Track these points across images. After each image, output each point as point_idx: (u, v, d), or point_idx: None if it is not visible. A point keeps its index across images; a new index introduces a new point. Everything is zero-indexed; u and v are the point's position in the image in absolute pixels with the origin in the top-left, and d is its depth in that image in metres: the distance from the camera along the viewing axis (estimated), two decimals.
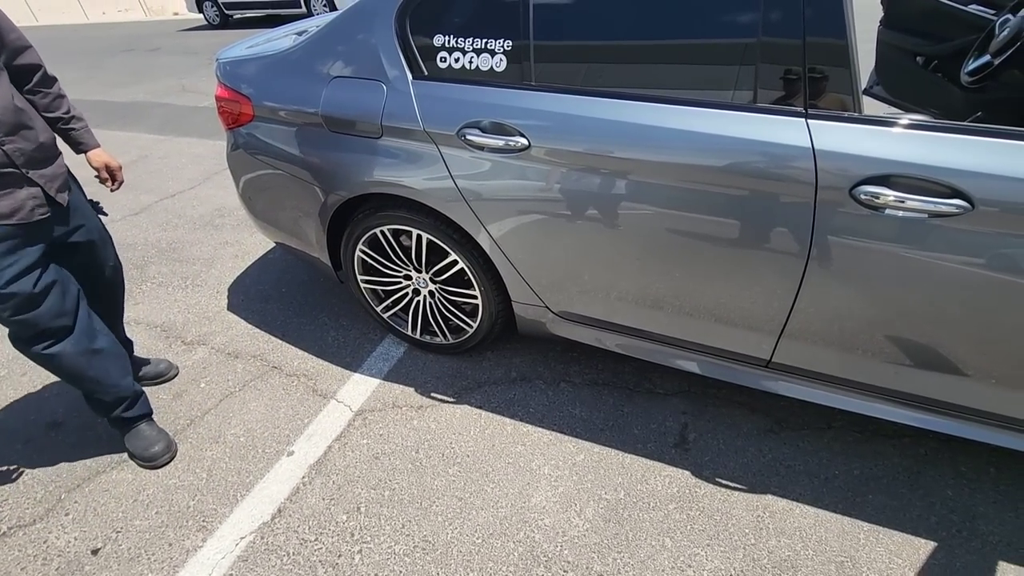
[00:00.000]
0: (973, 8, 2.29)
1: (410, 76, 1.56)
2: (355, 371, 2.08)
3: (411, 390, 1.98)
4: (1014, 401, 1.30)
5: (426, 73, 1.56)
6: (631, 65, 1.37)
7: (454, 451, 1.75)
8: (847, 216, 1.19)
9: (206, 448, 1.80)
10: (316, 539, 1.51)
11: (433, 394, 1.96)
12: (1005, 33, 1.86)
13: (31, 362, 1.56)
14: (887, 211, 1.14)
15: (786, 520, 1.49)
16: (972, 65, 2.02)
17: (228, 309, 2.48)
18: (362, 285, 2.05)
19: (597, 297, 1.63)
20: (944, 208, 1.10)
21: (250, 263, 2.82)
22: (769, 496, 1.55)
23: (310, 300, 2.50)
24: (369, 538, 1.51)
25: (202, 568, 1.46)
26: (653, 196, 1.35)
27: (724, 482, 1.60)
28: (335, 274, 2.07)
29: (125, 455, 1.78)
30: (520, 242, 1.60)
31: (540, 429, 1.80)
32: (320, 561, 1.46)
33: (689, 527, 1.49)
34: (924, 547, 1.40)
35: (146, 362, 2.06)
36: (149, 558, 1.50)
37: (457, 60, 1.51)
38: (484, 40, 1.47)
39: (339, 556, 1.47)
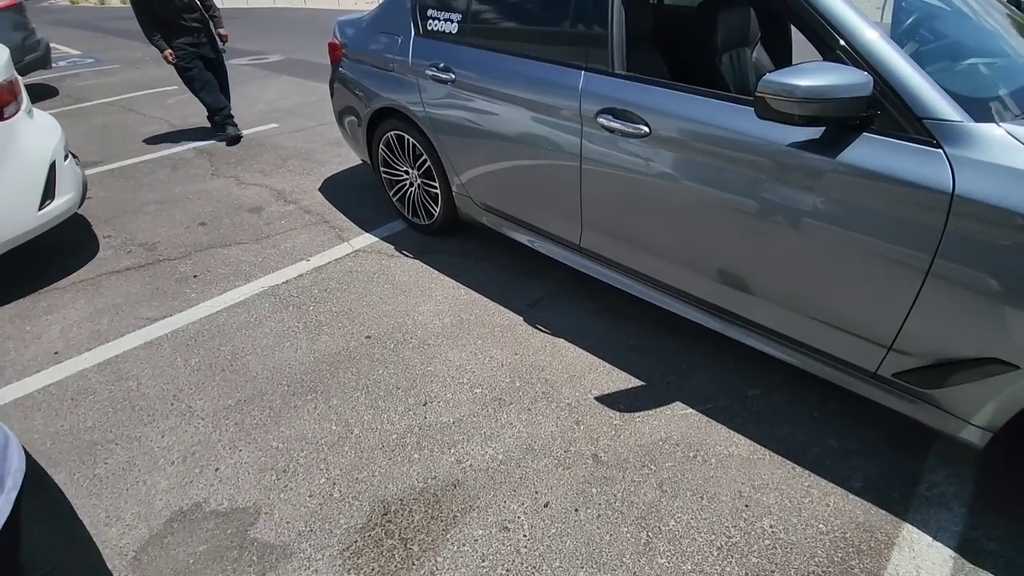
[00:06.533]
0: None
1: (413, 33, 2.55)
2: (368, 231, 3.14)
3: (391, 247, 2.99)
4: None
5: (422, 32, 2.53)
6: (509, 32, 2.20)
7: (395, 278, 2.70)
8: (595, 134, 1.89)
9: (270, 246, 3.00)
10: (303, 293, 2.59)
11: (403, 251, 2.94)
12: None
13: None
14: (612, 132, 1.83)
15: (558, 346, 2.19)
16: None
17: (318, 189, 3.73)
18: (382, 175, 3.10)
19: (497, 194, 2.45)
20: (634, 130, 1.76)
21: (347, 168, 4.07)
22: (562, 340, 2.25)
23: (366, 193, 3.64)
24: (332, 300, 2.54)
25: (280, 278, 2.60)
26: (507, 117, 2.17)
27: (542, 328, 2.32)
28: (373, 168, 3.14)
29: None
30: (453, 145, 2.50)
31: (450, 279, 2.68)
32: (304, 301, 2.53)
33: (490, 336, 2.27)
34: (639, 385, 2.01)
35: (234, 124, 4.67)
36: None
37: (436, 24, 2.46)
38: (448, 14, 2.40)
39: (315, 300, 2.53)
